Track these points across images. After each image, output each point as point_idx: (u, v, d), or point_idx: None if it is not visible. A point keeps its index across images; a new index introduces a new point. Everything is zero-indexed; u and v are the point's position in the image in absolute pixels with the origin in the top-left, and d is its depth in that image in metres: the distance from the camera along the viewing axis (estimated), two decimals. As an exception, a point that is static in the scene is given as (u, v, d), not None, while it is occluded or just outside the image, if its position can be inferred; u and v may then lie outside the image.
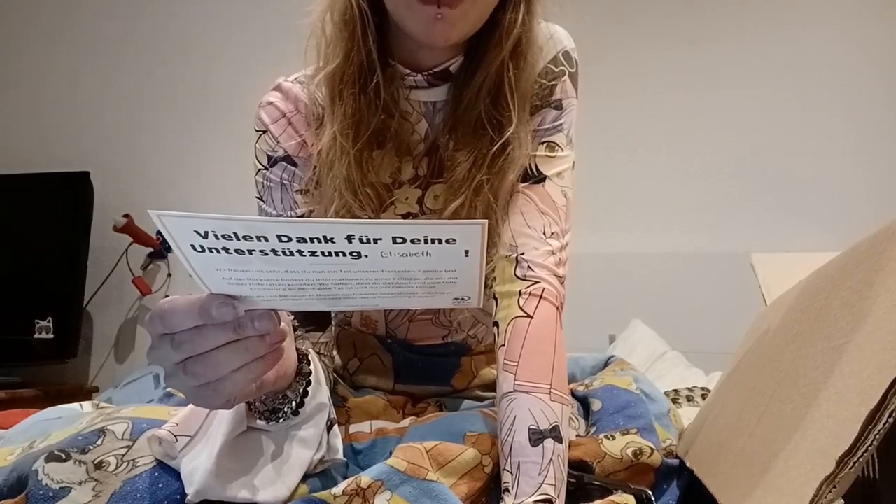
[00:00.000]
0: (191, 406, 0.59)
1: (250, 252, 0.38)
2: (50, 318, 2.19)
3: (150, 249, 2.40)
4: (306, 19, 0.75)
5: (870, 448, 0.36)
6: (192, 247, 0.38)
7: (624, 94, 2.16)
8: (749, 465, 0.52)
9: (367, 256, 0.39)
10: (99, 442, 0.56)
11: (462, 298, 0.46)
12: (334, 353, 0.93)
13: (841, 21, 2.04)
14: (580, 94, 0.81)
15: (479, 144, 0.74)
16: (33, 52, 2.68)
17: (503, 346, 0.69)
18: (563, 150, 0.78)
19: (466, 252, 0.40)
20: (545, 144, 0.77)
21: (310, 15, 0.75)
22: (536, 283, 0.71)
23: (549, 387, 0.65)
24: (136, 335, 2.46)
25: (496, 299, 0.74)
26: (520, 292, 0.71)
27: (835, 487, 0.37)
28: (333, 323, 0.95)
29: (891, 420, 0.36)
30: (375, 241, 0.38)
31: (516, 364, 0.67)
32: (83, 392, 2.30)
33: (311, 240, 0.38)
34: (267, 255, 0.39)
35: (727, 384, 0.80)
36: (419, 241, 0.38)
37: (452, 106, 0.76)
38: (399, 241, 0.38)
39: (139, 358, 2.39)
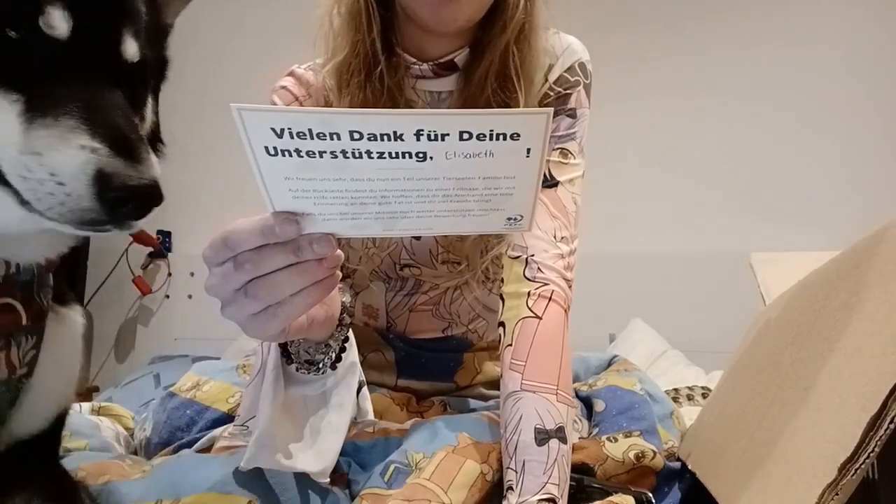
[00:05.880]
0: (244, 397, 0.61)
1: (321, 154, 0.39)
2: (50, 318, 2.18)
3: (150, 249, 2.39)
4: (316, 12, 0.77)
5: (871, 454, 0.36)
6: (266, 149, 0.39)
7: (625, 95, 2.16)
8: (751, 468, 0.53)
9: (432, 158, 0.40)
10: None
11: (515, 219, 0.46)
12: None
13: (840, 24, 2.04)
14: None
15: None
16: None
17: (510, 345, 0.69)
18: (575, 158, 0.79)
19: (528, 151, 0.41)
20: (559, 151, 0.78)
21: (318, 8, 0.77)
22: (546, 284, 0.72)
23: (555, 388, 0.65)
24: (136, 335, 2.46)
25: (502, 299, 0.74)
26: (528, 293, 0.71)
27: (837, 494, 0.37)
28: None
29: (892, 426, 0.36)
30: (443, 136, 0.39)
31: (524, 364, 0.67)
32: (83, 392, 2.30)
33: (382, 137, 0.39)
34: (336, 157, 0.39)
35: (727, 385, 0.80)
36: (485, 136, 0.39)
37: (459, 95, 0.77)
38: (466, 136, 0.39)
39: (139, 358, 2.38)
